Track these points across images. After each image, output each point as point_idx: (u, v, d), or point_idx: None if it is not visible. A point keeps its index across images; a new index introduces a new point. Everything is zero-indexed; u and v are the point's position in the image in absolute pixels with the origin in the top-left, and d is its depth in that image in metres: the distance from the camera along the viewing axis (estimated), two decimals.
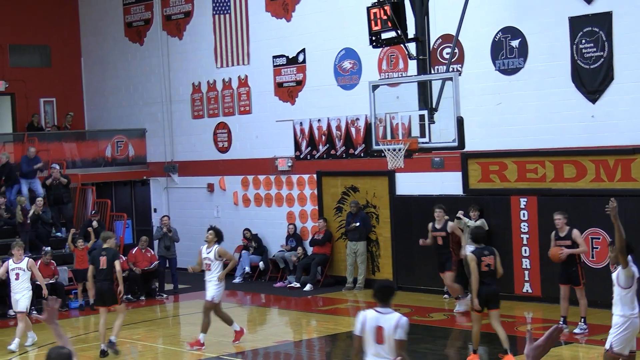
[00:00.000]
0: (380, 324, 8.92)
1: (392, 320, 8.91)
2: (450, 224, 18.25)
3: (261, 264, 24.07)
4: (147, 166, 27.81)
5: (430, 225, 18.42)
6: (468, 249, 19.30)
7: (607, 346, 10.96)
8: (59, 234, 23.80)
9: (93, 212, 23.75)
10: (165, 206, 27.36)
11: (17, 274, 16.58)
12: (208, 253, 16.15)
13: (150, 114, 27.48)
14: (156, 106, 27.29)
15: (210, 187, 25.99)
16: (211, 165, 25.98)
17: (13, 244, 17.09)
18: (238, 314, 20.61)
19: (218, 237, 16.27)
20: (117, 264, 15.70)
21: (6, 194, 23.81)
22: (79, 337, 18.25)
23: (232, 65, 25.19)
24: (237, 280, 24.07)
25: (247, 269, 24.12)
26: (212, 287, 16.02)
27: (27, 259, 16.86)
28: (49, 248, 21.66)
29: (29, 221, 22.39)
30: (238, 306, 21.60)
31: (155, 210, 27.65)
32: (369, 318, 9.01)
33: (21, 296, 16.57)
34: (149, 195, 27.90)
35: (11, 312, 19.49)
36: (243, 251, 24.34)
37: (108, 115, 28.65)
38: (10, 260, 16.78)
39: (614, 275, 10.99)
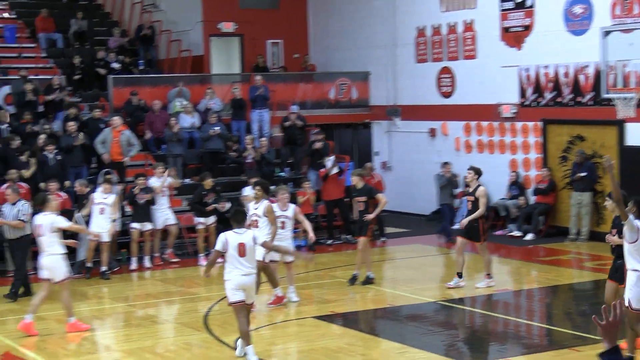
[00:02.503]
0: (241, 241, 11.80)
1: (249, 236, 11.89)
2: (480, 188, 16.49)
3: None
4: (370, 109, 28.15)
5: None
6: None
7: (626, 303, 10.69)
8: (282, 173, 24.50)
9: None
10: (386, 150, 27.69)
11: (284, 222, 15.53)
12: (255, 209, 14.93)
13: (375, 57, 27.73)
14: (380, 50, 27.52)
15: (432, 132, 26.08)
16: (434, 109, 26.03)
17: (277, 188, 16.24)
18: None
19: (266, 192, 15.10)
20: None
21: (232, 125, 24.81)
22: (300, 275, 18.85)
23: (458, 9, 25.05)
24: (456, 226, 24.15)
25: None
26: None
27: (293, 206, 15.90)
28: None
29: (250, 160, 23.13)
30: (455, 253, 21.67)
31: (377, 153, 28.02)
32: (230, 238, 11.81)
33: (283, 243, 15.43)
34: (371, 138, 28.29)
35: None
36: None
37: (332, 58, 29.11)
38: (275, 206, 15.49)
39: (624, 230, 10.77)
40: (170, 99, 24.96)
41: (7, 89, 23.71)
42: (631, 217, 10.64)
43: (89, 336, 13.93)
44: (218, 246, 11.90)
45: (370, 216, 17.17)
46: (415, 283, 17.20)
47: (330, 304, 15.82)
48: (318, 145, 23.22)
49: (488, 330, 14.20)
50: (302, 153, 24.76)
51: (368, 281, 17.26)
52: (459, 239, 16.91)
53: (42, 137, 21.05)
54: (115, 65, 26.17)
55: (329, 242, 22.48)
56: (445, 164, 22.81)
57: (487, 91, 24.25)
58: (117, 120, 22.05)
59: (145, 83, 25.71)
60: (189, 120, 24.03)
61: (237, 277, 11.88)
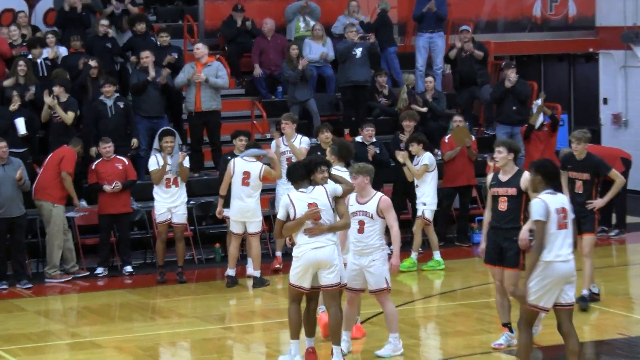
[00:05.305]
0: (310, 201, 13.07)
1: (321, 193, 13.13)
2: (525, 175, 14.30)
3: None
4: (596, 33, 27.85)
5: (489, 176, 14.97)
6: None
7: None
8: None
9: None
10: (620, 94, 27.35)
11: (362, 223, 14.27)
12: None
13: None
14: None
15: None
16: None
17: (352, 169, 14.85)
18: None
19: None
20: None
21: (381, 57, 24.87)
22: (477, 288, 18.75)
23: None
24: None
25: None
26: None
27: (380, 197, 14.30)
28: None
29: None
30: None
31: (605, 101, 27.70)
32: (295, 200, 13.10)
33: None
34: (597, 77, 28.03)
35: None
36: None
37: None
38: (352, 197, 14.58)
39: None
40: (290, 18, 24.97)
41: (48, 3, 24.03)
42: None
43: None
44: (280, 213, 13.15)
45: (599, 203, 16.56)
46: None
47: None
48: (512, 80, 22.78)
49: None
50: (486, 94, 24.35)
51: (590, 298, 16.88)
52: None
53: (91, 63, 21.26)
54: None
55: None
56: None
57: None
58: (201, 48, 21.92)
59: None
60: (318, 49, 24.00)
61: (306, 252, 13.00)
